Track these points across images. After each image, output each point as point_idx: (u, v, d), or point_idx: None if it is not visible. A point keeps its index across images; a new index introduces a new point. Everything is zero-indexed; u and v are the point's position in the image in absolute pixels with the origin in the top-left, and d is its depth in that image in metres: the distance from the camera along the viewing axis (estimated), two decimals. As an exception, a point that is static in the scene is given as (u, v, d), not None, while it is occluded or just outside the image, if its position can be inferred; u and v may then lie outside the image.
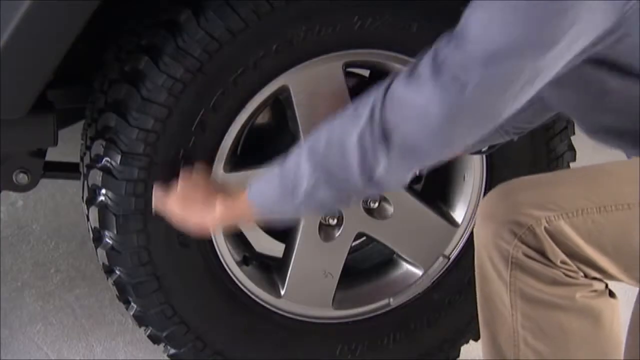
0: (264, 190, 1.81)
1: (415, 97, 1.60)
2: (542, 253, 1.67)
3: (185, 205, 1.93)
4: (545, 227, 1.66)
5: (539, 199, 1.69)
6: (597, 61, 1.66)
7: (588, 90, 1.74)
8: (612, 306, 1.74)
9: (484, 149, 2.16)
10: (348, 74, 2.18)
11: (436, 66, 1.59)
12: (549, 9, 1.51)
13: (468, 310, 2.35)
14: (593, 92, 1.74)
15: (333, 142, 1.69)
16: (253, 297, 2.25)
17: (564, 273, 1.67)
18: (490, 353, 1.79)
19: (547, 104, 1.91)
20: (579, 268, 1.68)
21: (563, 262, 1.67)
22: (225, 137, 2.09)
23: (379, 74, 2.33)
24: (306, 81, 2.11)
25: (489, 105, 1.59)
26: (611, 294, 1.75)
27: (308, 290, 2.28)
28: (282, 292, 2.27)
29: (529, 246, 1.67)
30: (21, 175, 2.18)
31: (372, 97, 1.66)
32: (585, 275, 1.69)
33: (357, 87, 2.26)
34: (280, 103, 2.17)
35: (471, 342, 2.45)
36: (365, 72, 2.39)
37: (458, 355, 2.46)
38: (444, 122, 1.59)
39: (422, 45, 2.11)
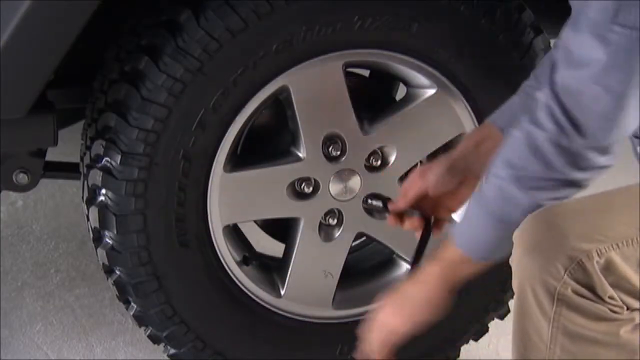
0: (471, 233, 1.75)
1: (589, 72, 1.56)
2: (591, 289, 1.61)
3: (398, 313, 1.82)
4: (597, 261, 1.59)
5: (586, 230, 1.62)
6: None
7: None
8: None
9: None
10: (348, 74, 2.18)
11: (600, 36, 1.55)
12: None
13: (468, 310, 2.36)
14: None
15: (531, 162, 1.64)
16: (253, 297, 2.25)
17: (609, 309, 1.62)
18: None
19: None
20: (623, 301, 1.63)
21: (611, 298, 1.61)
22: (225, 137, 2.09)
23: (379, 74, 2.34)
24: (306, 81, 2.11)
25: None
26: None
27: (308, 290, 2.28)
28: (282, 292, 2.27)
29: (578, 282, 1.60)
30: (21, 175, 2.17)
31: (538, 103, 1.64)
32: (627, 308, 1.64)
33: (357, 87, 2.27)
34: (280, 103, 2.17)
35: (471, 342, 2.45)
36: (365, 72, 2.39)
37: (458, 355, 2.46)
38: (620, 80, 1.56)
39: (422, 45, 2.14)
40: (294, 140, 2.17)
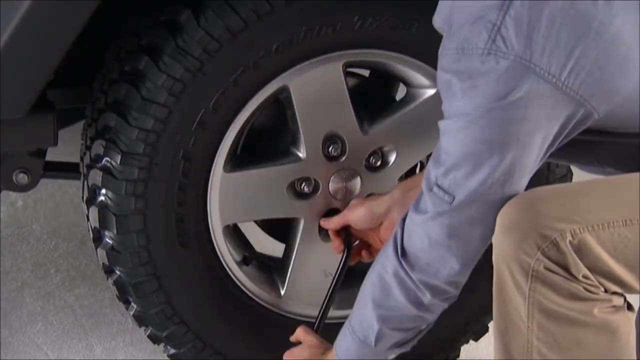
0: (346, 347, 1.93)
1: (420, 222, 1.75)
2: (564, 267, 1.64)
3: None
4: (569, 241, 1.63)
5: (563, 211, 1.66)
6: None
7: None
8: (629, 320, 1.71)
9: None
10: (348, 74, 2.18)
11: (428, 186, 1.73)
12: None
13: (468, 310, 2.36)
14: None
15: (377, 285, 1.84)
16: (253, 297, 2.25)
17: (584, 288, 1.64)
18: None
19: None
20: (600, 282, 1.65)
21: (585, 277, 1.64)
22: (225, 137, 2.09)
23: (379, 74, 2.34)
24: (306, 81, 2.11)
25: (478, 211, 1.70)
26: (629, 307, 1.72)
27: (308, 290, 2.28)
28: (282, 292, 2.27)
29: (551, 260, 1.64)
30: (21, 175, 2.17)
31: (394, 232, 1.82)
32: (606, 290, 1.66)
33: (357, 87, 2.27)
34: (280, 103, 2.17)
35: (471, 342, 2.45)
36: (365, 72, 2.39)
37: (458, 355, 2.46)
38: (447, 237, 1.73)
39: (422, 45, 2.14)
40: (294, 140, 2.18)
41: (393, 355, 1.93)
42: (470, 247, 1.75)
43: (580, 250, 1.63)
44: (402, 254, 1.79)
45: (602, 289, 1.66)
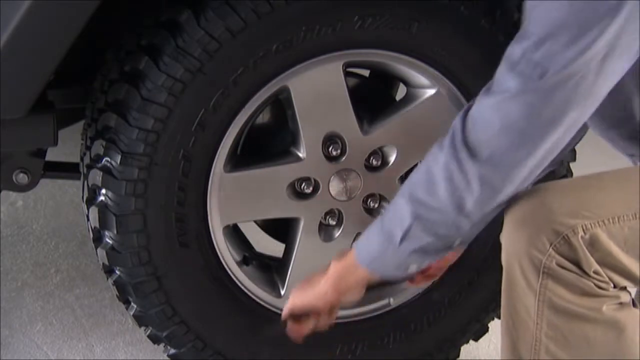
0: (367, 246, 1.81)
1: (495, 104, 1.62)
2: (576, 263, 1.64)
3: (301, 297, 1.92)
4: (581, 236, 1.63)
5: (574, 206, 1.65)
6: None
7: None
8: (635, 317, 1.71)
9: None
10: (348, 74, 2.18)
11: (511, 64, 1.59)
12: None
13: (468, 310, 2.36)
14: None
15: (421, 179, 1.72)
16: (253, 297, 2.25)
17: (595, 284, 1.65)
18: (509, 358, 1.76)
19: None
20: (609, 277, 1.65)
21: (596, 273, 1.64)
22: (225, 137, 2.09)
23: (379, 74, 2.34)
24: (306, 81, 2.11)
25: (565, 89, 1.57)
26: (634, 304, 1.72)
27: (308, 290, 2.28)
28: (282, 292, 2.27)
29: (563, 256, 1.64)
30: (21, 175, 2.18)
31: (452, 126, 1.69)
32: (615, 285, 1.67)
33: (357, 87, 2.27)
34: (280, 103, 2.17)
35: (471, 342, 2.45)
36: (365, 72, 2.39)
37: (458, 355, 2.46)
38: (526, 119, 1.59)
39: (422, 45, 2.14)
40: (294, 140, 2.18)
41: (413, 267, 1.80)
42: (546, 137, 1.63)
43: (592, 245, 1.63)
44: (464, 144, 1.66)
45: (612, 285, 1.66)
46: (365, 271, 1.82)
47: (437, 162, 1.69)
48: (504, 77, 1.61)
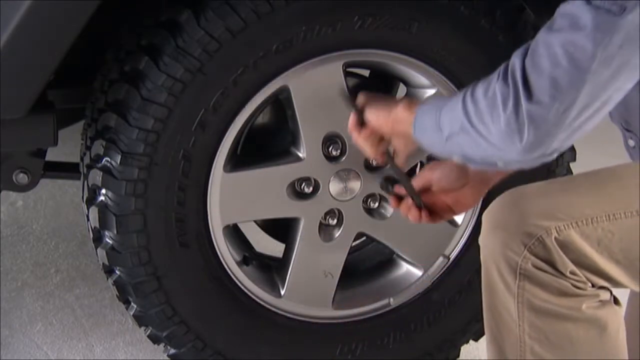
0: (422, 122, 1.77)
1: (561, 37, 1.51)
2: (551, 264, 1.65)
3: (373, 107, 1.94)
4: (555, 238, 1.64)
5: (548, 208, 1.66)
6: None
7: None
8: (617, 314, 1.72)
9: None
10: (348, 74, 2.18)
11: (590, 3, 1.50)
12: None
13: (468, 310, 2.36)
14: None
15: (483, 103, 1.61)
16: (253, 297, 2.25)
17: (572, 284, 1.66)
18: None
19: None
20: (587, 278, 1.66)
21: (572, 273, 1.65)
22: (225, 137, 2.09)
23: (379, 74, 2.34)
24: (306, 81, 2.11)
25: None
26: (616, 301, 1.73)
27: (308, 290, 2.28)
28: (282, 292, 2.27)
29: (538, 257, 1.65)
30: (21, 175, 2.18)
31: (506, 64, 1.60)
32: (593, 285, 1.67)
33: (357, 87, 2.26)
34: (280, 103, 2.17)
35: (471, 342, 2.45)
36: (365, 72, 2.39)
37: (458, 355, 2.46)
38: (595, 54, 1.49)
39: (422, 45, 2.14)
40: (294, 140, 2.18)
41: (456, 157, 1.74)
42: (609, 83, 1.53)
43: (566, 246, 1.64)
44: (523, 81, 1.54)
45: (590, 284, 1.67)
46: (414, 135, 1.81)
47: (494, 95, 1.59)
48: (578, 10, 1.50)
